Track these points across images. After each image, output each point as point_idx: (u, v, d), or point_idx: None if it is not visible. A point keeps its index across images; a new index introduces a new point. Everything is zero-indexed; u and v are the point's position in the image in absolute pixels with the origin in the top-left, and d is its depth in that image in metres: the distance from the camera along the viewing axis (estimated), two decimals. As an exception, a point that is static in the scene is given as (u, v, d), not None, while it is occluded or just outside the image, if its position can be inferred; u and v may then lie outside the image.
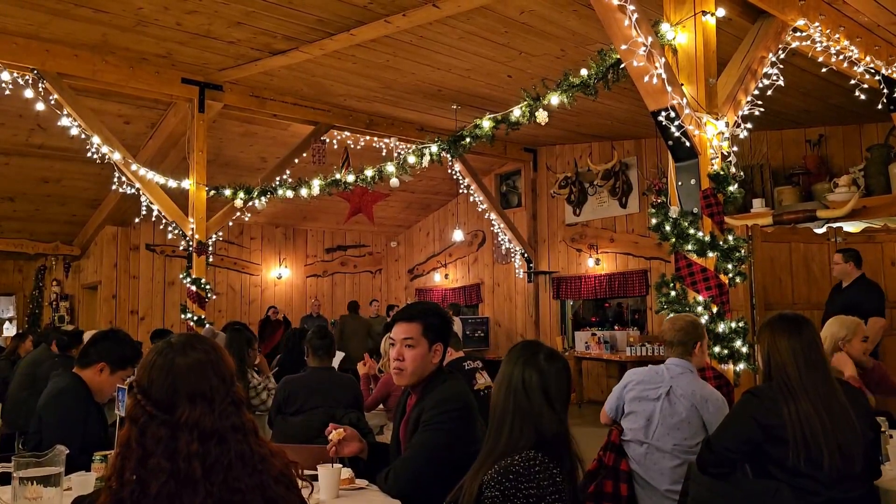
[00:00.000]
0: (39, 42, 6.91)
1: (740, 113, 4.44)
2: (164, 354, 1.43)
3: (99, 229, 11.34)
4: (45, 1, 6.02)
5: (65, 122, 7.30)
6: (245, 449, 1.40)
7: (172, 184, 8.17)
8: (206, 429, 1.36)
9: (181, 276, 8.33)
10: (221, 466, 1.36)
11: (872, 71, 5.52)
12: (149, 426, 1.35)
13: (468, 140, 5.75)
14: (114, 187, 8.32)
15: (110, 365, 2.97)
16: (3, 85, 6.69)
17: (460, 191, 11.57)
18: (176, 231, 8.33)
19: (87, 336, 6.06)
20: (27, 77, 6.94)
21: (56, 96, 7.17)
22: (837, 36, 5.08)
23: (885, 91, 5.76)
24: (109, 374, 2.95)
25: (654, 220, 4.24)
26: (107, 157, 7.70)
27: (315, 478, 2.34)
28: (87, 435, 2.79)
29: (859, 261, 5.71)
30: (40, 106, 6.95)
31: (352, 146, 9.81)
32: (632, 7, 3.75)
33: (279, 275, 13.09)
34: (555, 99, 4.85)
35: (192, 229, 8.19)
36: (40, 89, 7.01)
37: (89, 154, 7.68)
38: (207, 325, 7.77)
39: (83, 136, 7.51)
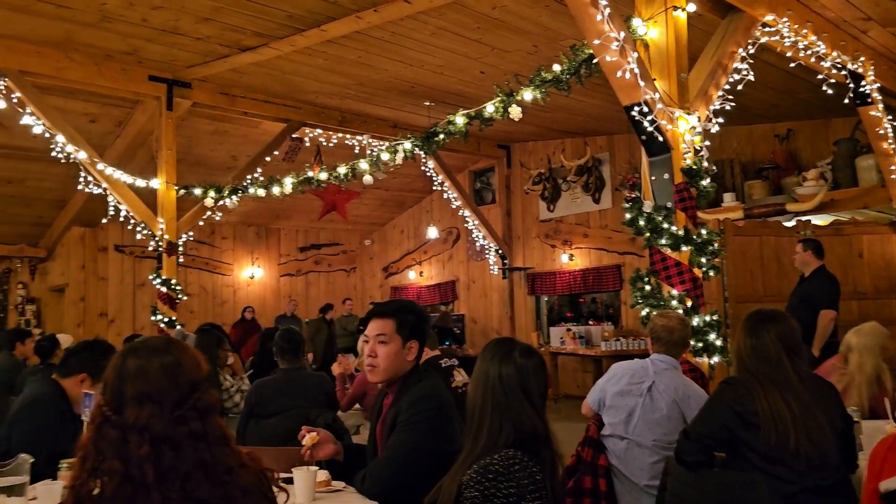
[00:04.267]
0: (0, 39, 6.73)
1: (711, 108, 4.46)
2: (121, 356, 1.42)
3: (65, 230, 11.10)
4: (5, -4, 5.87)
5: (28, 120, 7.13)
6: (207, 457, 1.36)
7: (141, 183, 8.03)
8: (157, 433, 1.34)
9: (151, 277, 8.19)
10: (177, 474, 1.33)
11: (839, 66, 5.60)
12: (103, 427, 1.35)
13: (442, 136, 5.73)
14: (80, 187, 8.13)
15: (91, 376, 2.89)
16: (-37, 83, 6.51)
17: (434, 188, 11.55)
18: (145, 231, 8.19)
19: (65, 340, 5.95)
20: (-12, 75, 6.77)
21: (18, 94, 6.99)
22: (805, 31, 5.13)
23: (851, 85, 5.84)
24: (91, 385, 2.87)
25: (628, 215, 4.25)
26: (72, 156, 7.53)
27: (290, 481, 2.30)
28: (59, 444, 2.71)
29: (819, 251, 5.74)
30: (1, 104, 6.77)
31: (324, 144, 9.73)
32: (604, 2, 3.75)
33: (252, 275, 12.95)
34: (528, 94, 4.85)
35: (162, 229, 8.06)
36: (1, 88, 6.83)
37: (54, 154, 7.51)
38: (178, 328, 7.64)
39: (47, 135, 7.34)
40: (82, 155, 7.50)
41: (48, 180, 9.77)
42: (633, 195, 4.33)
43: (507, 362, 1.89)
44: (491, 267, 11.86)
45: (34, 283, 12.11)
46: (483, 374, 1.92)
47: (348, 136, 9.80)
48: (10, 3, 5.99)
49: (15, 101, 6.97)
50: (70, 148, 7.40)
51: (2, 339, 6.94)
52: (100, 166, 7.74)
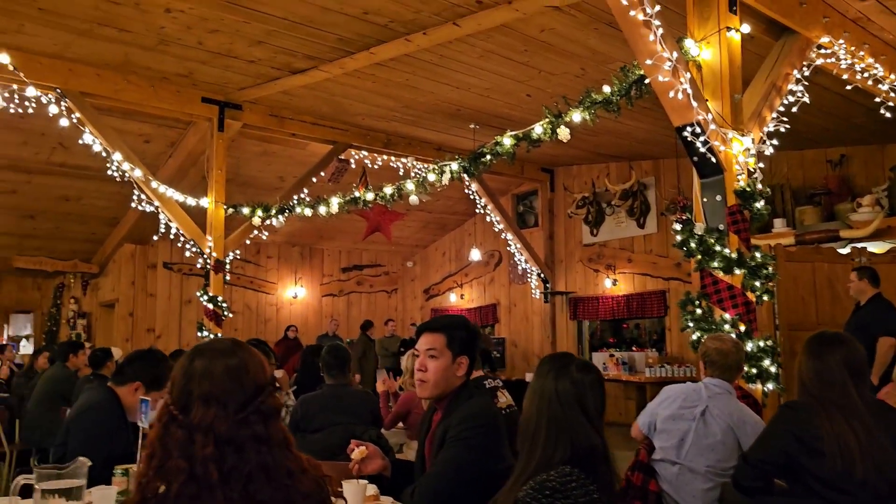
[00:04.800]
0: (63, 61, 7.00)
1: (765, 129, 4.39)
2: (189, 357, 1.44)
3: (117, 247, 11.40)
4: (69, 21, 6.10)
5: (87, 140, 7.37)
6: (268, 460, 1.37)
7: (191, 202, 8.21)
8: (222, 434, 1.35)
9: (198, 293, 8.33)
10: (240, 475, 1.34)
11: (897, 89, 5.47)
12: (169, 426, 1.36)
13: (489, 157, 5.74)
14: (133, 205, 8.36)
15: (145, 385, 2.95)
16: (27, 103, 6.76)
17: (477, 211, 11.56)
18: (194, 249, 8.35)
19: (116, 353, 6.09)
20: (50, 96, 7.02)
21: (78, 115, 7.24)
22: (862, 53, 5.04)
23: (910, 109, 5.70)
24: (144, 392, 2.92)
25: (678, 237, 4.18)
26: (127, 175, 7.75)
27: (338, 494, 2.29)
28: (114, 450, 2.76)
29: (875, 279, 5.60)
30: (64, 123, 7.02)
31: (369, 165, 9.84)
32: (657, 22, 3.73)
33: (295, 294, 13.09)
34: (577, 116, 4.83)
35: (210, 247, 8.21)
36: (63, 108, 7.09)
37: (109, 172, 7.74)
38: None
39: (104, 154, 7.57)
40: (137, 173, 7.71)
41: (103, 198, 10.07)
42: (684, 217, 4.26)
43: (563, 377, 1.86)
44: (533, 291, 11.78)
45: (86, 298, 12.45)
46: (539, 389, 1.88)
47: (393, 158, 9.90)
48: (76, 27, 6.23)
49: (75, 120, 7.22)
50: (126, 166, 7.62)
51: (56, 352, 7.14)
52: (153, 185, 7.94)
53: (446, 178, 6.36)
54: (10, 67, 5.39)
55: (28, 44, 6.56)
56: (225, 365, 1.40)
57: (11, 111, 6.53)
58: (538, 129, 5.15)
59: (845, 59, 4.91)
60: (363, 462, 2.55)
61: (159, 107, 7.79)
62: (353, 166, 9.71)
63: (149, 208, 8.33)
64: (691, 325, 4.10)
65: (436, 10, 5.83)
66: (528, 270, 11.64)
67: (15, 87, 6.47)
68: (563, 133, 4.93)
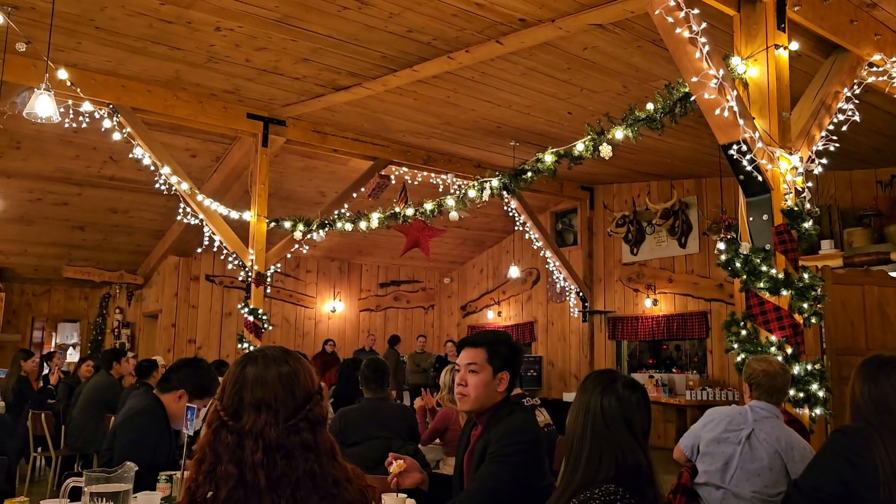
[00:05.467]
0: (116, 78, 7.22)
1: (814, 148, 4.31)
2: (240, 364, 1.45)
3: (162, 259, 11.66)
4: (124, 39, 6.30)
5: (136, 153, 7.57)
6: (316, 468, 1.38)
7: (234, 215, 8.36)
8: (272, 440, 1.36)
9: (239, 306, 8.45)
10: (288, 482, 1.35)
11: (952, 108, 5.32)
12: (220, 432, 1.37)
13: (529, 174, 5.73)
14: (178, 218, 8.56)
15: (189, 392, 2.99)
16: (81, 118, 6.98)
17: (515, 228, 11.54)
18: (236, 262, 8.48)
19: (160, 363, 6.23)
20: (103, 111, 7.25)
21: (129, 129, 7.45)
22: (915, 71, 4.92)
23: (966, 129, 5.54)
24: (188, 400, 2.97)
25: (723, 257, 4.11)
26: (174, 188, 7.94)
27: (379, 507, 2.29)
28: (158, 457, 2.80)
29: None
30: (115, 136, 7.22)
31: (409, 182, 9.91)
32: (703, 39, 3.70)
33: (333, 308, 13.20)
34: (619, 133, 4.80)
35: (252, 260, 8.33)
36: (115, 123, 7.30)
37: (157, 185, 7.94)
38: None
39: (153, 167, 7.77)
40: (184, 186, 7.89)
41: (149, 211, 10.32)
42: (729, 236, 4.19)
43: (609, 393, 1.83)
44: (571, 309, 11.68)
45: (130, 309, 12.73)
46: (584, 405, 1.85)
47: (433, 174, 9.95)
48: (130, 45, 6.43)
49: (126, 135, 7.43)
50: (173, 180, 7.81)
51: (101, 360, 7.29)
52: (199, 198, 8.11)
53: (486, 195, 6.37)
54: (68, 83, 5.58)
55: (84, 61, 6.79)
56: (277, 372, 1.42)
57: (66, 126, 6.75)
58: (580, 146, 5.13)
59: (897, 78, 4.80)
60: (401, 475, 2.54)
61: (206, 122, 7.98)
62: (394, 182, 9.79)
63: (193, 221, 8.52)
64: (736, 346, 4.01)
65: (479, 28, 5.87)
66: (567, 289, 11.55)
67: (70, 102, 6.69)
68: (605, 150, 4.90)
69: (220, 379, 2.31)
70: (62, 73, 5.45)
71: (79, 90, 6.09)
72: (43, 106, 4.77)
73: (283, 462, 1.34)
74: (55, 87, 5.03)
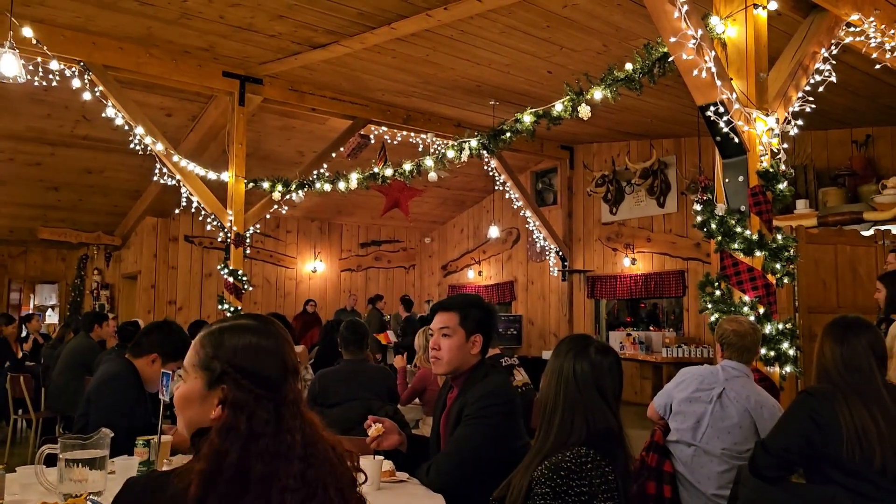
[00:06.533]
0: (86, 34, 7.00)
1: (791, 109, 4.30)
2: (257, 335, 1.39)
3: (140, 220, 11.51)
4: (92, -7, 6.09)
5: (109, 113, 7.40)
6: (318, 439, 1.39)
7: (212, 176, 8.23)
8: (299, 402, 1.38)
9: (219, 267, 8.40)
10: (312, 439, 1.36)
11: (928, 68, 5.31)
12: (257, 409, 1.32)
13: (508, 135, 5.69)
14: (155, 178, 8.42)
15: (162, 356, 2.98)
16: (51, 76, 6.79)
17: (496, 188, 11.50)
18: (214, 223, 8.40)
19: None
20: (74, 69, 7.04)
21: (101, 88, 7.26)
22: (893, 32, 4.89)
23: (941, 90, 5.55)
24: (161, 365, 2.95)
25: (699, 218, 4.12)
26: (149, 148, 7.79)
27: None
28: (134, 421, 2.80)
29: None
30: (87, 96, 7.04)
31: (388, 141, 9.80)
32: (682, -1, 3.64)
33: (314, 268, 13.17)
34: (598, 93, 4.77)
35: (231, 221, 8.25)
36: (86, 81, 7.11)
37: (132, 145, 7.78)
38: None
39: (126, 127, 7.61)
40: (159, 147, 7.74)
41: (125, 171, 10.14)
42: (705, 198, 4.20)
43: (582, 358, 1.85)
44: (551, 269, 11.75)
45: (109, 270, 12.61)
46: (557, 370, 1.88)
47: (412, 134, 9.85)
48: (99, 0, 6.22)
49: (98, 94, 7.24)
50: (148, 140, 7.65)
51: (80, 322, 7.24)
52: (175, 158, 7.98)
53: (465, 155, 6.32)
54: (34, 41, 5.39)
55: (51, 16, 6.57)
56: (286, 338, 1.43)
57: (36, 84, 6.56)
58: (559, 107, 5.09)
59: (875, 38, 4.76)
60: (380, 438, 2.57)
61: (181, 80, 7.80)
62: (373, 142, 9.68)
63: (170, 182, 8.39)
64: (710, 306, 4.05)
65: (457, -15, 5.75)
66: (547, 248, 11.60)
67: (39, 59, 6.49)
68: (584, 111, 4.87)
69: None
70: (27, 31, 5.27)
71: (45, 48, 5.91)
72: (7, 65, 4.62)
73: (303, 421, 1.35)
74: (21, 45, 4.87)
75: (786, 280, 4.04)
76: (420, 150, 9.84)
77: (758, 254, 3.93)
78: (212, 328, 1.43)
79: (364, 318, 11.29)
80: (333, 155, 9.37)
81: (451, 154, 6.47)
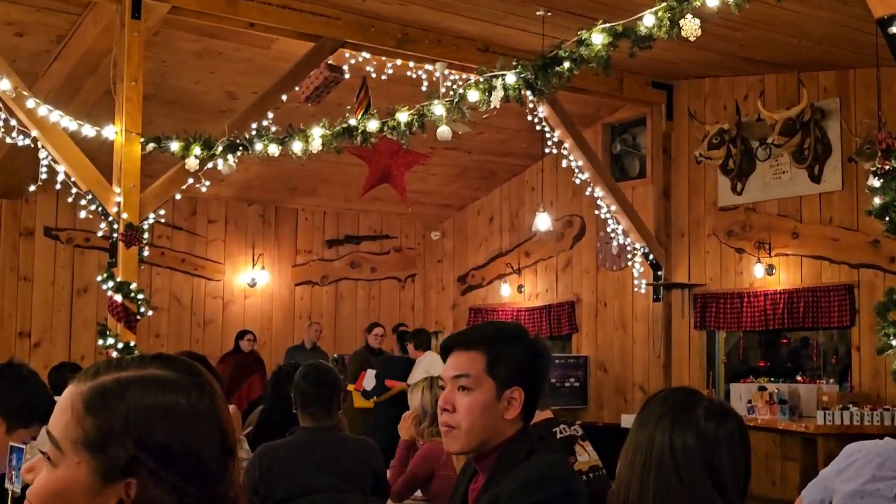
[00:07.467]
0: None
1: None
2: (182, 392, 1.39)
3: (-28, 203, 11.64)
4: None
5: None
6: None
7: (89, 131, 8.29)
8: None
9: (99, 278, 8.45)
10: None
11: None
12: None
13: (567, 65, 5.72)
14: (-2, 136, 8.51)
15: (5, 419, 2.98)
16: None
17: (546, 151, 11.52)
18: (92, 207, 8.45)
19: None
20: None
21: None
22: None
23: None
24: (4, 433, 2.96)
25: (877, 200, 4.14)
26: (-12, 87, 7.87)
27: None
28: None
29: None
30: None
31: (373, 76, 9.85)
32: None
33: (252, 280, 13.23)
34: (713, -2, 4.79)
35: (119, 204, 8.30)
36: None
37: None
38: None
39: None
40: (4, 85, 7.82)
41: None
42: (888, 167, 4.22)
43: (685, 427, 1.87)
44: (635, 282, 11.76)
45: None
46: (643, 444, 1.90)
47: (411, 64, 9.89)
48: None
49: None
50: (-14, 74, 7.74)
51: None
52: (29, 103, 8.03)
53: (497, 98, 6.35)
54: None
55: None
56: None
57: None
58: (649, 19, 5.11)
59: None
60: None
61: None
62: (348, 77, 9.73)
63: (22, 141, 8.44)
64: (895, 343, 4.07)
65: None
66: (629, 248, 11.61)
67: None
68: (690, 27, 4.89)
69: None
70: None
71: None
72: None
73: None
74: None
75: None
76: (424, 88, 9.88)
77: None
78: (103, 380, 1.35)
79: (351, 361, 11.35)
80: (284, 98, 9.43)
81: (473, 97, 6.50)
